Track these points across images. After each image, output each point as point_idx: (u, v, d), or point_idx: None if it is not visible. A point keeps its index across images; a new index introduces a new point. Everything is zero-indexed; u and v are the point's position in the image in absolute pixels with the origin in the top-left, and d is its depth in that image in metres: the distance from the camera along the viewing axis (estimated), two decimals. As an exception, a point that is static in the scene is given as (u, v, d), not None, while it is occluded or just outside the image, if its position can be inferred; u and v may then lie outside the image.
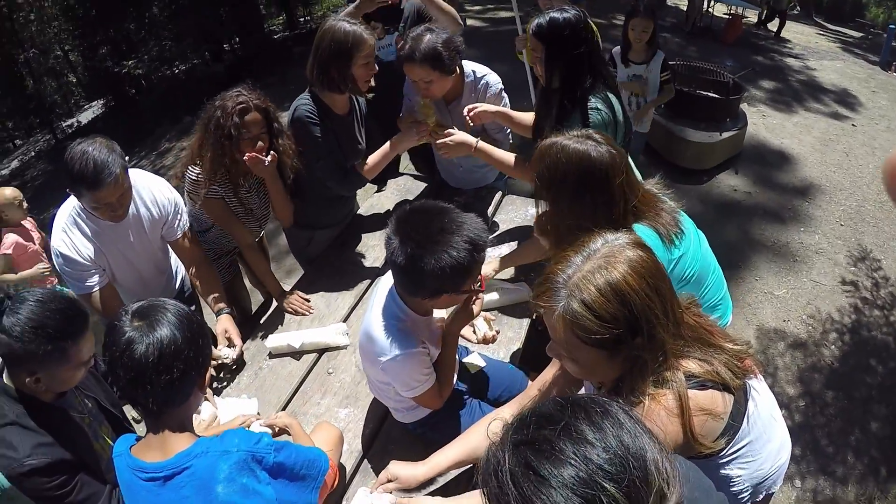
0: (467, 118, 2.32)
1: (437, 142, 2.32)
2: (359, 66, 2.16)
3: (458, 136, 2.29)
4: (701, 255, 1.72)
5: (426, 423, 1.75)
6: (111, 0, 10.50)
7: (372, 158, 2.41)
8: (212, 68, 11.01)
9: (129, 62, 9.56)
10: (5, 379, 1.46)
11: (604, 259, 1.07)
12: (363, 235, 2.71)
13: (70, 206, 2.00)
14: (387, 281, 1.63)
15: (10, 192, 3.40)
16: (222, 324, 2.14)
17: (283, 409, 1.95)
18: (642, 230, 1.57)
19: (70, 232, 1.98)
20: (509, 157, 2.31)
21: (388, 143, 2.40)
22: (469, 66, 2.45)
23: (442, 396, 1.64)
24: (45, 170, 11.52)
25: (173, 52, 10.17)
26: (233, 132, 2.05)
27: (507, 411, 1.48)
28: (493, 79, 2.47)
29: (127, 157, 2.05)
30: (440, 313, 1.69)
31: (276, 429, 1.67)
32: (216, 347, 2.05)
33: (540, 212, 1.64)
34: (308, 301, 2.35)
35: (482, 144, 2.31)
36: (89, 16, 11.34)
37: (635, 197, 1.57)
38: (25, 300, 1.36)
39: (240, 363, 2.12)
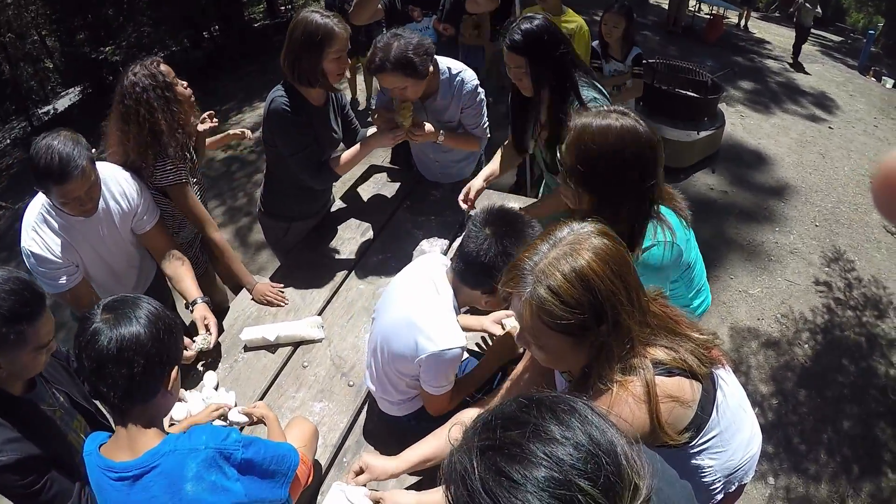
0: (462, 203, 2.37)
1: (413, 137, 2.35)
2: (330, 59, 2.13)
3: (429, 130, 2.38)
4: (696, 251, 1.78)
5: (420, 415, 1.75)
6: (90, -16, 10.31)
7: (345, 156, 2.38)
8: (190, 55, 10.83)
9: (107, 49, 9.36)
10: None
11: (569, 246, 1.08)
12: (339, 228, 2.70)
13: (38, 205, 1.95)
14: (423, 269, 1.66)
15: None
16: (199, 311, 2.11)
17: (260, 401, 1.94)
18: (667, 212, 1.60)
19: (40, 230, 1.93)
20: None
21: (360, 143, 2.37)
22: (444, 62, 2.42)
23: (452, 404, 1.65)
24: (20, 158, 11.26)
25: (152, 38, 9.96)
26: (167, 80, 2.11)
27: (475, 410, 1.49)
28: (469, 75, 2.45)
29: (102, 146, 2.04)
30: None
31: (255, 418, 1.69)
32: (191, 339, 2.04)
33: (572, 194, 1.58)
34: (281, 290, 2.34)
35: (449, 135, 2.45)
36: (67, 0, 11.09)
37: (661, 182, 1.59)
38: None
39: (216, 354, 2.11)
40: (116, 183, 2.07)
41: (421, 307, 1.54)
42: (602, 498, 0.66)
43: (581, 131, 1.47)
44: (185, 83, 2.23)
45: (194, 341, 2.00)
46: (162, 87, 2.09)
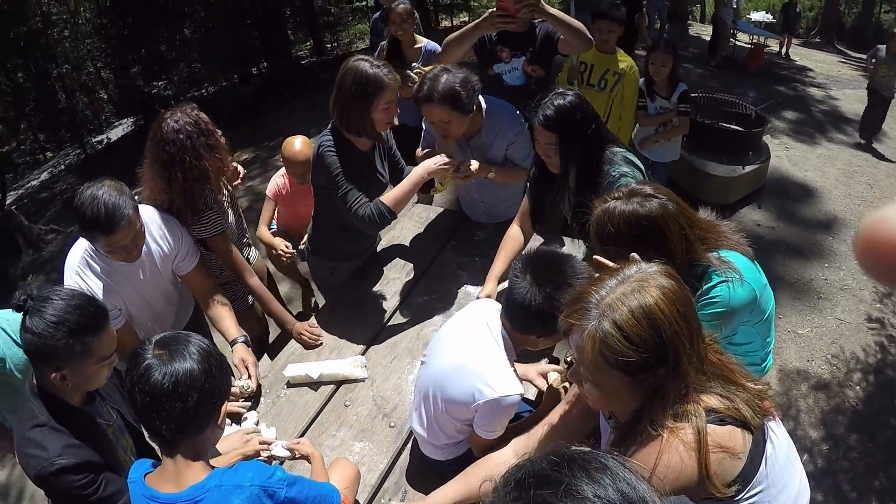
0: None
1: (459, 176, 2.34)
2: (379, 110, 2.15)
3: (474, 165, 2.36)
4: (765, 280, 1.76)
5: (461, 461, 1.73)
6: (143, 20, 10.83)
7: (397, 190, 2.24)
8: (240, 90, 11.24)
9: (160, 83, 9.80)
10: (35, 380, 1.52)
11: (637, 283, 1.08)
12: (384, 268, 2.73)
13: (81, 248, 2.01)
14: (477, 314, 1.68)
15: None
16: (238, 353, 2.14)
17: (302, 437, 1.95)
18: (732, 255, 1.60)
19: (84, 275, 1.98)
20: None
21: (413, 174, 2.24)
22: (486, 100, 2.47)
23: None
24: (74, 183, 11.79)
25: (203, 73, 10.41)
26: (210, 128, 2.15)
27: (509, 453, 1.50)
28: (510, 109, 2.51)
29: None
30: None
31: (297, 454, 1.71)
32: (235, 378, 2.07)
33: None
34: (317, 331, 2.35)
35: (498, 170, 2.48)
36: (121, 35, 11.67)
37: (696, 227, 1.60)
38: (48, 298, 1.42)
39: (258, 392, 2.14)
40: (157, 225, 2.12)
41: (478, 353, 1.56)
42: None
43: (596, 220, 1.58)
44: (219, 130, 2.24)
45: (234, 384, 2.03)
46: (206, 135, 2.13)
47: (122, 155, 11.07)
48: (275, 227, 3.27)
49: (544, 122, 1.97)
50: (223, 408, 1.28)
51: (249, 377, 2.09)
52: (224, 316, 2.25)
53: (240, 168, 2.61)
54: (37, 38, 11.39)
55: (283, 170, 3.12)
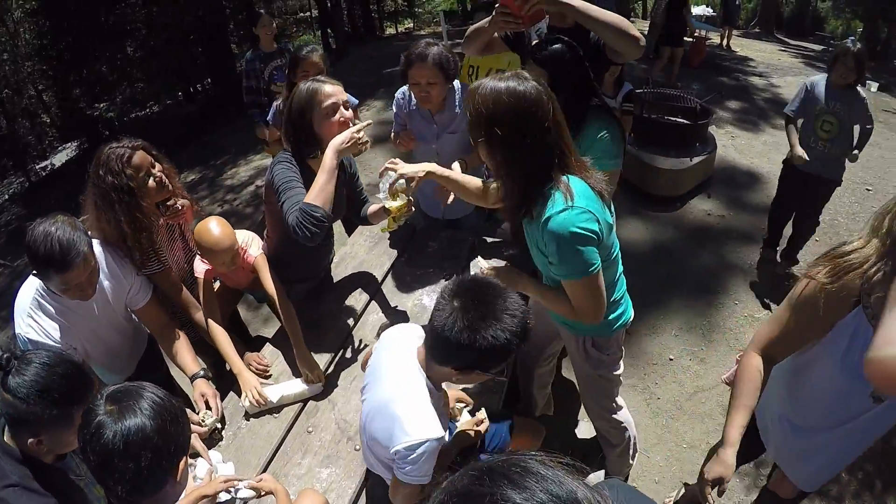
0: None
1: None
2: (321, 120, 2.00)
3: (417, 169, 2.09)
4: (616, 241, 1.82)
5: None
6: (85, 41, 10.53)
7: (314, 188, 1.94)
8: (185, 108, 11.04)
9: (102, 105, 9.55)
10: (6, 439, 1.45)
11: None
12: (337, 286, 2.70)
13: (32, 289, 1.94)
14: (396, 346, 1.58)
15: None
16: (198, 388, 2.10)
17: (264, 470, 1.91)
18: (576, 183, 1.60)
19: (36, 316, 1.92)
20: (474, 181, 2.16)
21: (325, 163, 1.95)
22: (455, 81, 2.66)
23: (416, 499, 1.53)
24: (18, 213, 11.36)
25: (146, 93, 10.20)
26: (131, 184, 2.00)
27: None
28: None
29: None
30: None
31: (263, 492, 1.67)
32: (196, 412, 2.03)
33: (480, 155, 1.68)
34: (264, 363, 2.26)
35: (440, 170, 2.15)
36: (63, 56, 11.34)
37: (570, 152, 1.63)
38: (32, 362, 1.38)
39: (222, 424, 2.09)
40: (108, 261, 2.07)
41: (399, 390, 1.47)
42: None
43: (471, 93, 1.59)
44: (157, 171, 2.13)
45: (203, 421, 1.99)
46: (127, 193, 2.01)
47: (68, 181, 10.73)
48: (218, 282, 2.64)
49: (538, 57, 2.01)
50: (181, 464, 1.25)
51: (210, 409, 2.04)
52: (181, 350, 2.20)
53: (180, 204, 2.36)
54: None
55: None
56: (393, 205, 2.06)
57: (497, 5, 2.11)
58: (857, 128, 3.69)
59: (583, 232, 1.56)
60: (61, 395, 1.36)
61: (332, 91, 2.00)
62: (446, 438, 1.49)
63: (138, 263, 2.15)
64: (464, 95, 2.54)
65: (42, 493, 1.41)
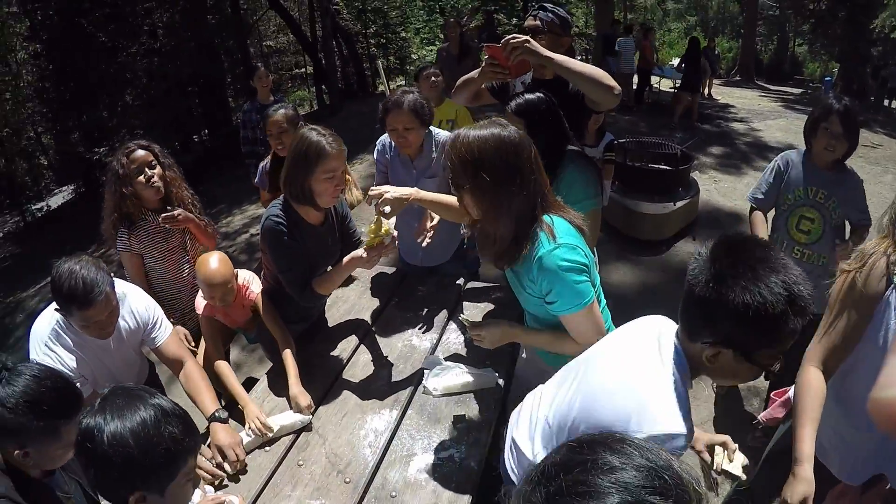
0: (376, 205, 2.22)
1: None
2: (319, 179, 2.09)
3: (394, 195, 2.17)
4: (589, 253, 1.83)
5: None
6: (85, 87, 10.76)
7: (325, 277, 2.30)
8: (180, 159, 11.15)
9: (101, 150, 9.69)
10: None
11: None
12: (329, 328, 2.77)
13: (52, 319, 1.99)
14: (650, 328, 1.38)
15: None
16: (216, 437, 2.03)
17: (254, 502, 1.92)
18: (557, 220, 1.67)
19: (53, 346, 1.97)
20: (450, 198, 2.18)
21: (341, 264, 2.20)
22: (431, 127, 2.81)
23: None
24: (12, 252, 11.38)
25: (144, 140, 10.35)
26: (121, 171, 2.48)
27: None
28: (447, 134, 2.76)
29: (94, 246, 2.14)
30: None
31: None
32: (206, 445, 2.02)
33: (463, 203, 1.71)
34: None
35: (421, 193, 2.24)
36: (63, 100, 11.54)
37: (549, 192, 1.70)
38: (22, 373, 1.39)
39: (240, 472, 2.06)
40: (125, 299, 2.12)
41: (641, 372, 1.23)
42: None
43: (453, 143, 1.63)
44: (153, 172, 2.56)
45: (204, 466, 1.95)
46: (116, 177, 2.50)
47: (63, 223, 10.80)
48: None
49: (514, 108, 2.14)
50: (185, 468, 1.23)
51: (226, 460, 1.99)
52: (200, 390, 2.17)
53: (177, 213, 2.67)
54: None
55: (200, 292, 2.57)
56: (365, 240, 2.12)
57: (486, 57, 2.29)
58: (846, 224, 2.66)
59: (576, 265, 1.61)
60: (49, 408, 1.37)
61: (335, 165, 2.10)
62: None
63: (109, 235, 2.61)
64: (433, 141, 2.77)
65: None
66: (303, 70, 21.28)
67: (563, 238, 1.61)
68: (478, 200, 1.65)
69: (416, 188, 2.24)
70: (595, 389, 1.30)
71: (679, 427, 1.12)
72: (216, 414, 2.11)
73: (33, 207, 13.67)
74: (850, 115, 2.42)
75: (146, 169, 2.53)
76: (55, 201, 14.02)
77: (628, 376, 1.23)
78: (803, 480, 1.47)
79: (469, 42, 5.04)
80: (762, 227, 2.72)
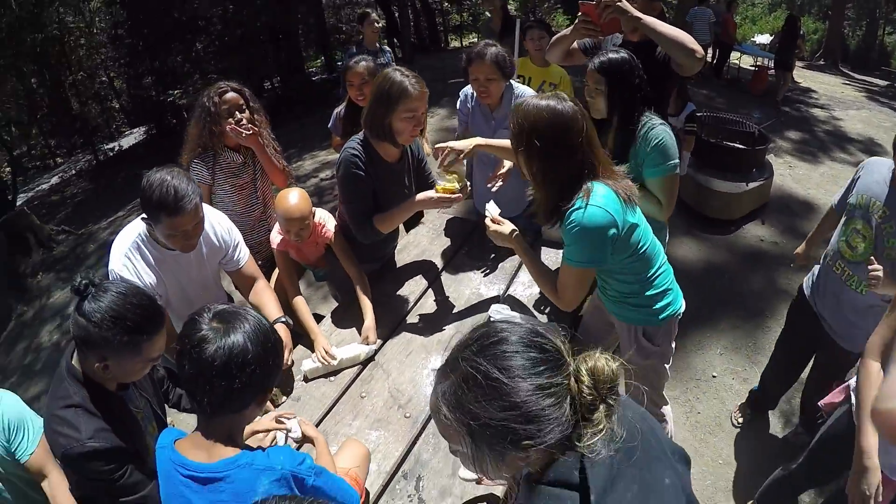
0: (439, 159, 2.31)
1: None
2: (399, 118, 2.14)
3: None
4: (652, 238, 1.91)
5: None
6: (158, 34, 11.03)
7: (389, 214, 2.34)
8: (254, 104, 11.37)
9: (176, 92, 9.93)
10: (74, 361, 1.55)
11: None
12: (399, 270, 2.83)
13: (134, 233, 2.02)
14: None
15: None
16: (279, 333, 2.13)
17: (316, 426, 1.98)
18: (599, 187, 1.73)
19: (133, 258, 2.00)
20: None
21: (408, 202, 2.28)
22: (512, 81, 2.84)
23: None
24: (84, 188, 11.95)
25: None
26: (212, 109, 2.54)
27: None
28: (529, 92, 2.78)
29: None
30: None
31: (303, 435, 1.69)
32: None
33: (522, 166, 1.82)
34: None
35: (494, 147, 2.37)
36: (136, 46, 11.87)
37: (596, 159, 1.75)
38: (109, 290, 1.44)
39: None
40: (207, 222, 2.15)
41: None
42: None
43: (515, 108, 1.73)
44: (242, 116, 2.61)
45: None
46: (207, 113, 2.58)
47: (134, 162, 11.23)
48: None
49: (598, 66, 2.16)
50: (269, 392, 1.28)
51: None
52: (267, 302, 2.27)
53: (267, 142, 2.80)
54: (52, 46, 11.59)
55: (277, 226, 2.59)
56: (441, 185, 2.22)
57: (580, 14, 2.41)
58: None
59: (594, 228, 1.70)
60: (133, 324, 1.41)
61: (417, 105, 2.14)
62: None
63: (188, 165, 2.67)
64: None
65: (100, 418, 1.49)
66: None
67: (594, 200, 1.69)
68: (528, 164, 1.76)
69: (478, 137, 2.35)
70: None
71: None
72: (280, 318, 2.21)
73: (105, 147, 14.23)
74: None
75: (236, 112, 2.59)
76: (126, 142, 14.54)
77: None
78: (870, 470, 1.56)
79: (512, 17, 4.86)
80: (822, 228, 2.62)
